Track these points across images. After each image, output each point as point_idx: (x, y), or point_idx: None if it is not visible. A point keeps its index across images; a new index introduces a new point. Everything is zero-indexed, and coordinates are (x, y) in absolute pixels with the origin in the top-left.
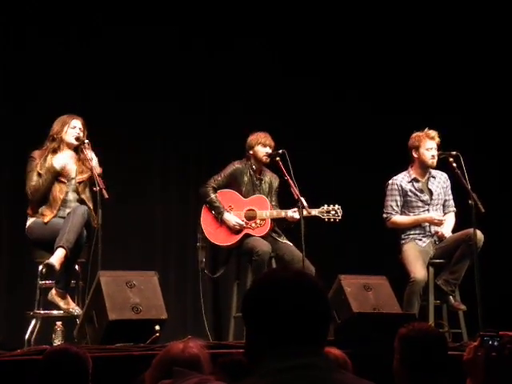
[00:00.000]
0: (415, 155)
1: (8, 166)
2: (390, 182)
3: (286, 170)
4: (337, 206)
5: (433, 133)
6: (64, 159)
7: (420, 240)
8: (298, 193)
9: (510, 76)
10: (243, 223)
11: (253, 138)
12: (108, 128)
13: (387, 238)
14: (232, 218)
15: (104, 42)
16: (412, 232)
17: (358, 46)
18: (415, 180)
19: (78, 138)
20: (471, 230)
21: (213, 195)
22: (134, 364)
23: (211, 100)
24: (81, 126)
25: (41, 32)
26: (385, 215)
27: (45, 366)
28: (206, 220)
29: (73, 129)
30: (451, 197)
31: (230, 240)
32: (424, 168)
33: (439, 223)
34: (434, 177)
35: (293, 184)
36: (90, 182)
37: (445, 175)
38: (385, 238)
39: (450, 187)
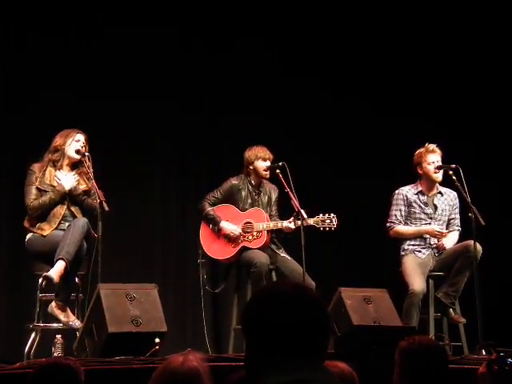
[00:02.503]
0: (420, 171)
1: (7, 173)
2: (396, 191)
3: (286, 183)
4: (332, 215)
5: (432, 146)
6: (72, 180)
7: (420, 252)
8: (298, 205)
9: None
10: (240, 231)
11: (251, 154)
12: (108, 131)
13: (388, 250)
14: (228, 226)
15: (104, 42)
16: (412, 243)
17: (358, 47)
18: (421, 193)
19: (78, 151)
20: (469, 241)
21: (208, 209)
22: (133, 377)
23: (211, 100)
24: (84, 141)
25: (41, 32)
26: (388, 224)
27: (35, 380)
28: (204, 235)
29: (76, 142)
30: (457, 216)
31: (227, 253)
32: (430, 182)
33: (439, 235)
34: (441, 193)
35: (293, 196)
36: (84, 194)
37: (454, 194)
38: (385, 251)
39: (457, 206)
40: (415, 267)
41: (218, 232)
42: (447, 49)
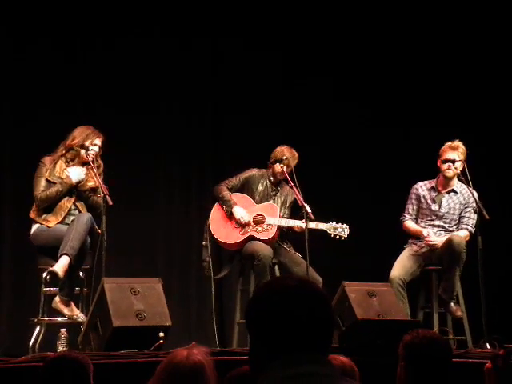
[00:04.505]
0: (438, 165)
1: (9, 173)
2: (413, 186)
3: (290, 177)
4: (345, 225)
5: (455, 143)
6: (81, 173)
7: (415, 244)
8: (302, 200)
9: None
10: (249, 219)
11: (275, 152)
12: (111, 138)
13: (392, 244)
14: (241, 211)
15: (107, 54)
16: (414, 236)
17: (361, 49)
18: (433, 189)
19: (81, 145)
20: (451, 236)
21: (225, 192)
22: (138, 371)
23: (214, 112)
24: (100, 144)
25: (44, 45)
26: (401, 217)
27: (45, 374)
28: (214, 216)
29: (93, 146)
30: (469, 215)
31: (233, 238)
32: (445, 178)
33: (423, 237)
34: (456, 192)
35: (297, 191)
36: (91, 191)
37: (470, 193)
38: (389, 245)
39: (471, 206)
40: (403, 258)
41: (229, 215)
42: (452, 51)
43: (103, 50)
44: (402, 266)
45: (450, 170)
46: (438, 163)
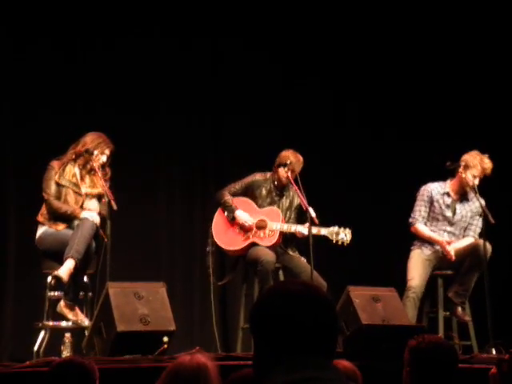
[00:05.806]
0: (461, 172)
1: (9, 173)
2: (423, 187)
3: (295, 182)
4: (347, 230)
5: (488, 164)
6: (94, 217)
7: (426, 248)
8: (306, 204)
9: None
10: (253, 223)
11: (280, 156)
12: (111, 138)
13: (397, 248)
14: (244, 215)
15: (107, 55)
16: (421, 239)
17: (358, 52)
18: (447, 194)
19: (86, 150)
20: (479, 241)
21: (227, 197)
22: (142, 376)
23: (214, 112)
24: (109, 154)
25: (44, 45)
26: (410, 219)
27: (51, 378)
28: (217, 222)
29: (101, 155)
30: (477, 223)
31: (236, 244)
32: (461, 187)
33: (445, 249)
34: (468, 200)
35: (301, 194)
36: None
37: (479, 203)
38: (394, 249)
39: (480, 214)
40: (418, 263)
41: (231, 220)
42: (452, 50)
43: (103, 50)
44: (421, 274)
45: (471, 187)
46: (462, 170)
